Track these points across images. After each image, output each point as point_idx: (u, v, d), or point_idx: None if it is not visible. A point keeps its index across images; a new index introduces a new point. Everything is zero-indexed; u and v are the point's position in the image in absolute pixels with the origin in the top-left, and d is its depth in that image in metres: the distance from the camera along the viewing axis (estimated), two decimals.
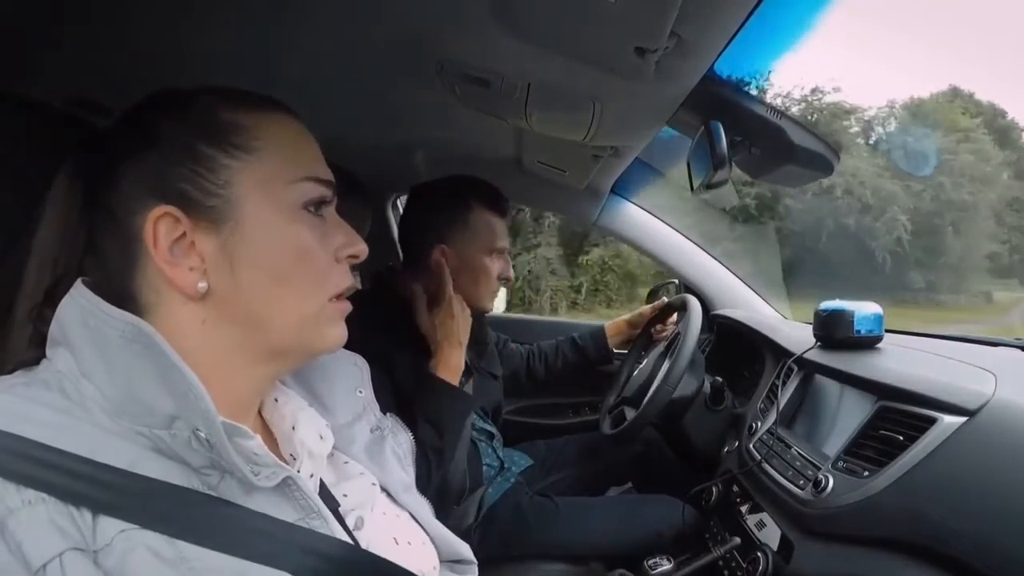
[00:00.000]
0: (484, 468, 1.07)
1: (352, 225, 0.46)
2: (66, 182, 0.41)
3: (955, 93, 15.71)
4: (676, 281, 1.48)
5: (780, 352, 1.07)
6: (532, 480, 1.19)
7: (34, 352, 0.39)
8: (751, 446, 0.93)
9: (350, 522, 0.45)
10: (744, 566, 0.82)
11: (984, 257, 13.46)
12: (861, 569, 0.65)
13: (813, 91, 14.18)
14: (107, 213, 0.39)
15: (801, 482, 0.77)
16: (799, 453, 0.83)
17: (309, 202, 0.42)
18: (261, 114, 0.42)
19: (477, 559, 0.57)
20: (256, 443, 0.38)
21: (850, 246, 11.87)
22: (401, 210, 1.42)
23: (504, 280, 1.04)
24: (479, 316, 1.20)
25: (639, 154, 1.11)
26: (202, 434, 0.36)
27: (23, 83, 0.74)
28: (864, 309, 0.91)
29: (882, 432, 0.70)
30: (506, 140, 1.17)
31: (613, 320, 1.41)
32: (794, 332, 1.11)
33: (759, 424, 0.97)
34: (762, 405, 1.02)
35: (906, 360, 0.85)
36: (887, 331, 0.92)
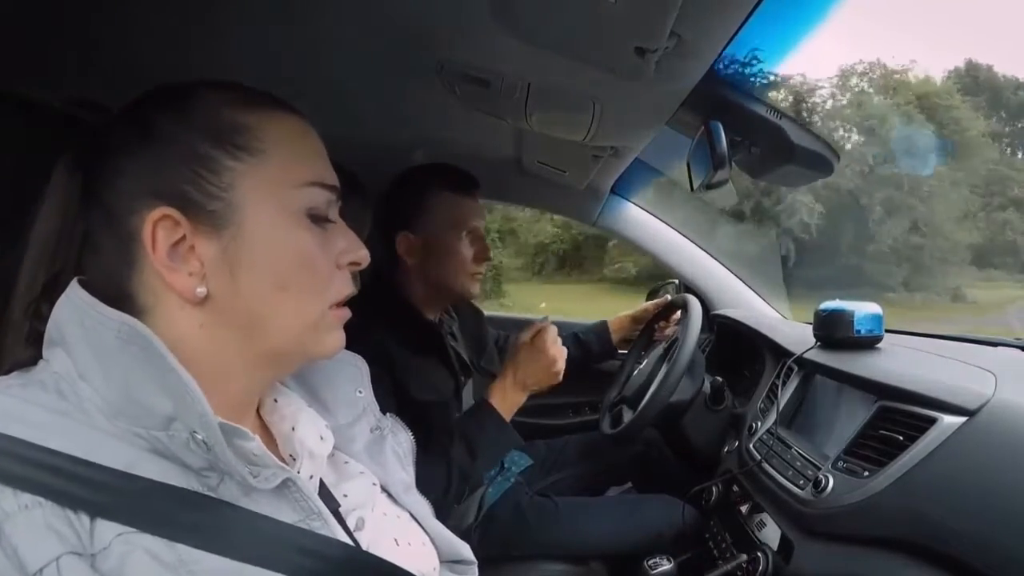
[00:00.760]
0: None
1: (352, 226, 0.45)
2: (65, 175, 0.40)
3: (972, 66, 15.21)
4: (676, 281, 1.48)
5: (780, 352, 1.07)
6: (532, 480, 1.19)
7: (31, 351, 0.39)
8: (751, 446, 0.93)
9: (351, 523, 0.45)
10: (744, 566, 0.82)
11: (957, 247, 12.01)
12: (861, 569, 0.65)
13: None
14: (105, 210, 0.39)
15: (801, 482, 0.77)
16: (799, 453, 0.83)
17: (313, 208, 0.41)
18: (265, 113, 0.41)
19: (477, 559, 0.57)
20: (256, 444, 0.38)
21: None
22: None
23: (484, 261, 0.99)
24: (477, 314, 1.20)
25: (639, 154, 1.11)
26: (199, 436, 0.35)
27: (23, 83, 0.74)
28: (864, 309, 0.91)
29: (882, 432, 0.70)
30: (506, 140, 1.17)
31: (616, 315, 1.39)
32: (794, 332, 1.11)
33: (759, 424, 0.97)
34: (762, 405, 1.02)
35: (906, 360, 0.85)
36: (887, 331, 0.92)
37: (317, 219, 0.42)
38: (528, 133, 1.03)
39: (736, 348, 1.31)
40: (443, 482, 0.82)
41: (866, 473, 0.68)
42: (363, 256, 0.45)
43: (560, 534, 1.04)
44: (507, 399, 0.89)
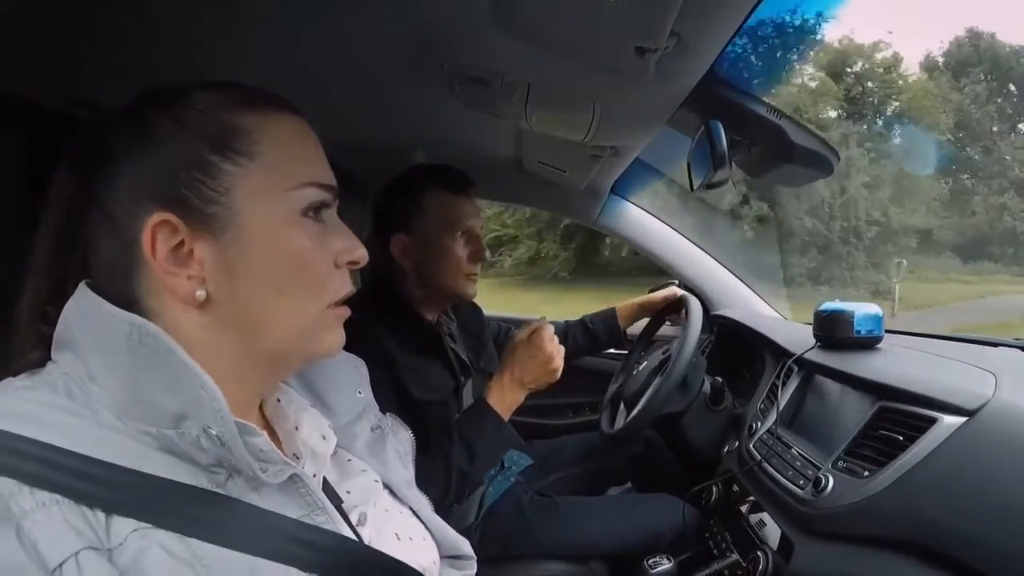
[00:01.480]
0: None
1: (351, 227, 0.45)
2: (66, 178, 0.40)
3: (974, 35, 14.42)
4: (676, 281, 1.48)
5: (780, 352, 1.07)
6: (532, 479, 1.19)
7: (39, 353, 0.39)
8: (751, 446, 0.93)
9: (353, 518, 0.45)
10: (744, 566, 0.82)
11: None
12: (861, 569, 0.65)
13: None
14: (106, 213, 0.39)
15: (801, 482, 0.77)
16: (799, 453, 0.83)
17: (310, 207, 0.41)
18: (263, 115, 0.41)
19: (477, 558, 0.57)
20: (263, 440, 0.39)
21: None
22: None
23: (479, 261, 0.97)
24: (478, 313, 1.20)
25: (639, 154, 1.11)
26: (213, 432, 0.36)
27: (23, 83, 0.74)
28: (864, 309, 0.91)
29: (882, 432, 0.70)
30: (506, 140, 1.17)
31: (624, 303, 1.37)
32: (794, 332, 1.11)
33: (759, 424, 0.97)
34: (762, 405, 1.02)
35: (906, 360, 0.85)
36: (887, 331, 0.92)
37: (315, 219, 0.42)
38: (528, 133, 1.03)
39: (736, 348, 1.30)
40: (443, 482, 0.82)
41: (866, 473, 0.68)
42: (361, 255, 0.45)
43: (560, 533, 1.04)
44: (505, 398, 0.89)
